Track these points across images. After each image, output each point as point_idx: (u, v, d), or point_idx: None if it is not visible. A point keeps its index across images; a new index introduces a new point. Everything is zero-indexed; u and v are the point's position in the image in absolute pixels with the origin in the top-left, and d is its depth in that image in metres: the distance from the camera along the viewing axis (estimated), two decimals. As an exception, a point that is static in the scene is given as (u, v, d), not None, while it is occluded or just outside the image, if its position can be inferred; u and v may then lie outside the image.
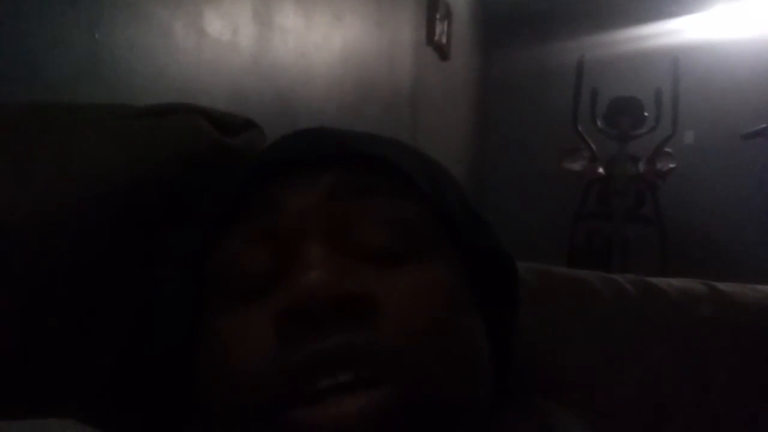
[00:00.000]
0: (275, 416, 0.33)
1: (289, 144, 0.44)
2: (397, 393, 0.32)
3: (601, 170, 3.62)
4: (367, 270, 0.36)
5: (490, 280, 0.44)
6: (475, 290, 0.42)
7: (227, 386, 0.36)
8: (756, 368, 0.53)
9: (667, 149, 3.57)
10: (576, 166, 3.72)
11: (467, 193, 0.47)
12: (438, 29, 3.25)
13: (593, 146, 3.65)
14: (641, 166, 3.60)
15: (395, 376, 0.33)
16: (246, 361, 0.35)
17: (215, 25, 1.28)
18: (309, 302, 0.33)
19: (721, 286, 0.59)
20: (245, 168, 0.42)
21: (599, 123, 3.66)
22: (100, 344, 0.46)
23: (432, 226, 0.40)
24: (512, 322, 0.47)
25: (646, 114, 3.61)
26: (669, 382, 0.53)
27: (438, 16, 3.23)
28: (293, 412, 0.32)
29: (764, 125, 3.07)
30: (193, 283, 0.41)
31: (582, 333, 0.56)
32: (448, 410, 0.35)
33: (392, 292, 0.35)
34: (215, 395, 0.37)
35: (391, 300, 0.35)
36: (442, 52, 3.46)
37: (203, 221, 0.41)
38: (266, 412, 0.33)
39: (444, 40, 3.40)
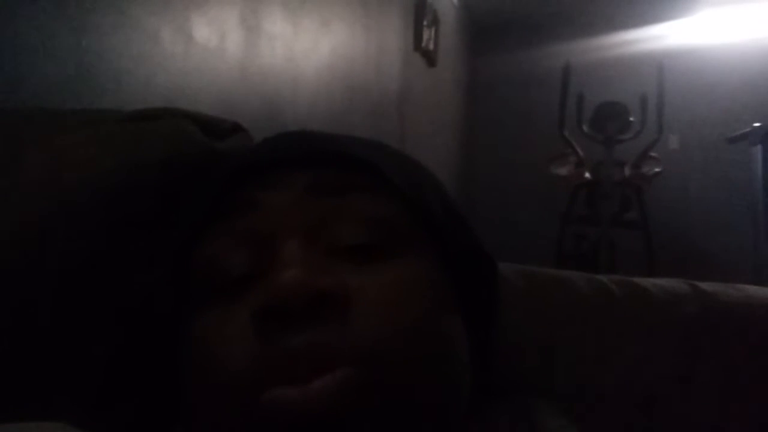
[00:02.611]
0: (248, 402, 0.33)
1: (269, 146, 0.45)
2: (365, 374, 0.33)
3: (587, 175, 3.64)
4: (343, 266, 0.37)
5: (470, 279, 0.44)
6: (454, 289, 0.42)
7: (207, 384, 0.36)
8: (739, 366, 0.54)
9: (652, 154, 3.60)
10: (563, 170, 3.75)
11: (449, 194, 0.47)
12: (425, 35, 3.26)
13: (580, 151, 3.67)
14: (627, 171, 3.63)
15: (364, 363, 0.33)
16: (225, 358, 0.35)
17: (203, 31, 1.29)
18: (284, 300, 0.34)
19: (705, 285, 0.60)
20: (225, 169, 0.42)
21: (585, 128, 3.69)
22: (90, 345, 0.46)
23: (411, 225, 0.41)
24: (493, 321, 0.48)
25: (631, 119, 3.65)
26: (654, 380, 0.54)
27: (425, 23, 3.24)
28: (264, 394, 0.33)
29: (748, 129, 3.10)
30: (177, 283, 0.41)
31: (567, 332, 0.56)
32: (418, 396, 0.35)
33: (367, 287, 0.36)
34: (196, 393, 0.37)
35: (366, 295, 0.36)
36: (430, 58, 3.48)
37: (185, 222, 0.42)
38: (241, 401, 0.34)
39: (431, 46, 3.42)
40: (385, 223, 0.40)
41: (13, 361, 0.43)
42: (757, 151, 3.03)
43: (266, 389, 0.33)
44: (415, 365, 0.35)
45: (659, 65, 3.55)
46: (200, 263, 0.40)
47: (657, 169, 3.61)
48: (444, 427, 0.37)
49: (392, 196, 0.41)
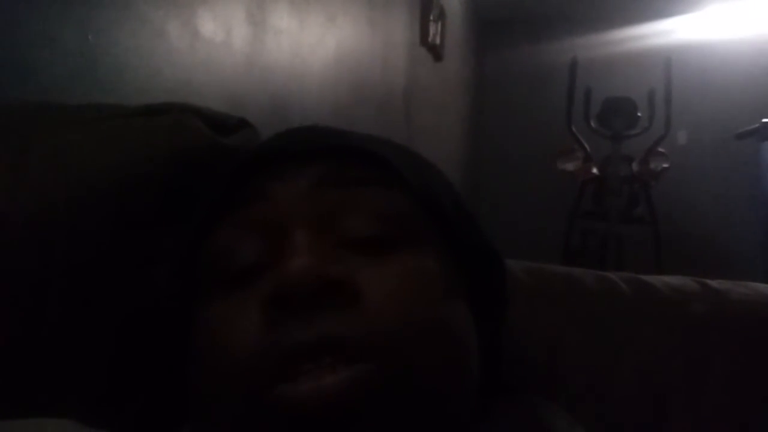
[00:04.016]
0: (258, 395, 0.33)
1: (280, 139, 0.45)
2: (378, 369, 0.33)
3: (595, 170, 3.63)
4: (352, 257, 0.37)
5: (478, 275, 0.44)
6: (463, 285, 0.42)
7: (215, 372, 0.36)
8: (748, 364, 0.53)
9: (660, 149, 3.59)
10: (570, 166, 3.74)
11: (458, 191, 0.47)
12: (431, 30, 3.25)
13: (587, 146, 3.66)
14: (635, 167, 3.61)
15: (375, 356, 0.33)
16: (233, 346, 0.35)
17: (209, 26, 1.28)
18: (293, 288, 0.34)
19: (714, 283, 0.60)
20: (236, 161, 0.42)
21: (593, 123, 3.67)
22: (97, 341, 0.46)
23: (420, 219, 0.41)
24: (501, 318, 0.48)
25: (639, 114, 3.63)
26: (663, 378, 0.53)
27: (431, 17, 3.23)
28: (274, 389, 0.33)
29: (757, 125, 3.08)
30: (188, 275, 0.41)
31: (576, 330, 0.56)
32: (429, 389, 0.35)
33: (376, 278, 0.36)
34: (205, 385, 0.37)
35: (375, 286, 0.36)
36: (436, 52, 3.46)
37: (195, 215, 0.42)
38: (250, 393, 0.34)
39: (438, 40, 3.40)
40: (395, 217, 0.40)
41: (20, 358, 0.43)
42: (767, 146, 3.02)
43: (276, 379, 0.33)
44: (425, 357, 0.35)
45: (667, 60, 3.53)
46: (210, 254, 0.40)
47: (665, 165, 3.59)
48: (453, 423, 0.37)
49: (402, 191, 0.41)
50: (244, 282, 0.37)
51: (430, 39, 3.23)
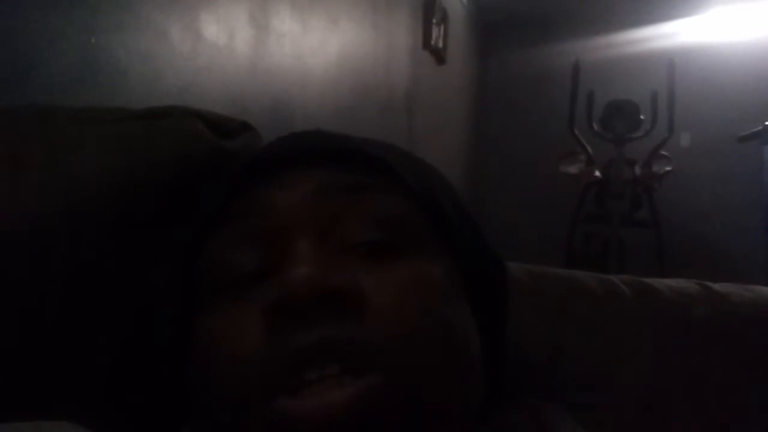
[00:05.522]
0: (261, 407, 0.33)
1: (281, 144, 0.45)
2: (384, 382, 0.33)
3: (597, 173, 3.63)
4: (355, 265, 0.37)
5: (479, 280, 0.44)
6: (465, 289, 0.42)
7: (216, 381, 0.36)
8: (750, 366, 0.53)
9: (663, 152, 3.58)
10: (573, 169, 3.73)
11: (460, 196, 0.47)
12: (434, 33, 3.25)
13: (590, 149, 3.66)
14: (638, 169, 3.61)
15: (382, 367, 0.33)
16: (235, 355, 0.35)
17: (211, 29, 1.29)
18: (297, 297, 0.33)
19: (716, 286, 0.60)
20: (237, 167, 0.42)
21: (595, 126, 3.67)
22: (97, 345, 0.46)
23: (422, 224, 0.41)
24: (502, 322, 0.47)
25: (642, 117, 3.62)
26: (665, 381, 0.53)
27: (434, 21, 3.24)
28: (278, 402, 0.32)
29: (760, 127, 3.07)
30: (186, 282, 0.41)
31: (578, 333, 0.56)
32: (436, 401, 0.35)
33: (380, 286, 0.36)
34: (205, 390, 0.37)
35: (379, 294, 0.35)
36: (439, 56, 3.47)
37: (195, 221, 0.42)
38: (252, 403, 0.33)
39: (440, 44, 3.41)
40: (398, 221, 0.39)
41: (20, 361, 0.43)
42: (770, 149, 3.01)
43: (279, 389, 0.33)
44: (428, 361, 0.35)
45: (670, 63, 3.53)
46: (210, 261, 0.40)
47: (668, 168, 3.59)
48: (457, 429, 0.37)
49: (405, 195, 0.41)
50: (245, 290, 0.37)
51: (432, 42, 3.24)
